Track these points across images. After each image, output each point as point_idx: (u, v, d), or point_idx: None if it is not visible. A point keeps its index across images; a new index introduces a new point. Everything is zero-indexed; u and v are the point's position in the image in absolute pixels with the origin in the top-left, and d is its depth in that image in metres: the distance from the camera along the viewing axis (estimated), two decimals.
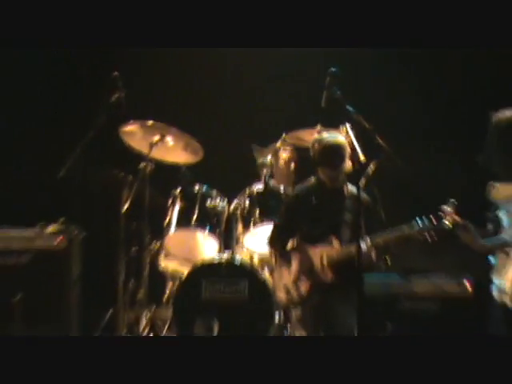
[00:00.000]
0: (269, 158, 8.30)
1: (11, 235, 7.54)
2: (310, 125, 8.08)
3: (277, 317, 7.72)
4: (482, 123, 6.95)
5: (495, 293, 6.65)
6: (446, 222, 6.85)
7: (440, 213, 6.90)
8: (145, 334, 7.94)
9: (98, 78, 9.04)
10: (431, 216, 7.04)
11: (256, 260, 8.04)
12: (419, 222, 7.03)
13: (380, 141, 7.44)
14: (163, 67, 9.28)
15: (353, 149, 7.20)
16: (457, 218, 6.85)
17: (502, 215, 6.69)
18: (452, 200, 6.84)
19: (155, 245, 8.14)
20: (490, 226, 6.84)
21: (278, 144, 8.31)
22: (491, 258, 6.77)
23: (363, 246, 6.95)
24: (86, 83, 9.31)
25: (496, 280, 6.66)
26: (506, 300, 6.62)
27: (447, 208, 6.84)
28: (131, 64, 9.14)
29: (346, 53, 8.70)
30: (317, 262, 7.22)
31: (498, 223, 6.74)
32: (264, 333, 7.71)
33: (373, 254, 7.12)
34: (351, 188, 7.19)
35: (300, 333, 7.32)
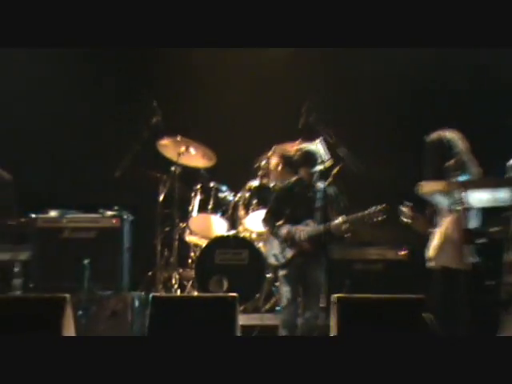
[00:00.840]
0: (263, 162, 8.42)
1: (83, 217, 7.70)
2: (293, 139, 8.17)
3: (268, 275, 7.94)
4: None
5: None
6: (405, 220, 7.19)
7: (400, 212, 7.25)
8: (175, 288, 8.08)
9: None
10: (380, 205, 7.31)
11: (254, 235, 8.18)
12: (373, 208, 7.37)
13: (342, 150, 7.64)
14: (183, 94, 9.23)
15: (322, 155, 7.60)
16: (412, 214, 7.19)
17: (435, 203, 7.02)
18: (408, 203, 7.08)
19: (182, 225, 8.31)
20: (428, 213, 7.19)
21: (270, 153, 8.40)
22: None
23: (336, 222, 7.18)
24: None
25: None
26: (430, 264, 7.01)
27: (405, 208, 7.19)
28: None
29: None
30: (298, 236, 7.31)
31: (435, 212, 7.09)
32: (258, 287, 7.91)
33: (342, 230, 7.24)
34: (321, 184, 7.35)
35: (284, 288, 7.33)
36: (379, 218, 7.28)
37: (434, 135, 6.91)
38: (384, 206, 7.25)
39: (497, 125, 6.95)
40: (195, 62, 9.17)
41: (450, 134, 6.87)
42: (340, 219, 7.25)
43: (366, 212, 7.26)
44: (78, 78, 9.15)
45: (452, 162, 6.59)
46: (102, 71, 9.20)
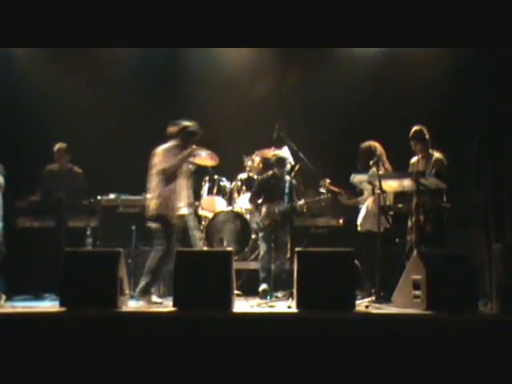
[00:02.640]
0: (249, 162, 8.35)
1: (131, 198, 7.66)
2: (269, 147, 8.11)
3: (253, 236, 7.85)
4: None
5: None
6: (323, 190, 7.26)
7: (320, 185, 7.34)
8: None
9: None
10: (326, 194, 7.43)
11: (244, 210, 8.06)
12: (323, 195, 7.43)
13: (301, 155, 7.64)
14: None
15: (288, 159, 7.68)
16: (331, 187, 7.28)
17: (363, 188, 7.13)
18: (326, 179, 7.29)
19: (197, 203, 8.07)
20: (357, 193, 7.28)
21: (254, 156, 8.35)
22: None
23: (298, 203, 7.34)
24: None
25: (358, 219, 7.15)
26: (358, 229, 7.13)
27: (323, 182, 7.29)
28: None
29: None
30: (272, 211, 7.46)
31: (360, 192, 7.20)
32: (246, 244, 7.77)
33: (302, 208, 7.44)
34: (288, 177, 7.38)
35: (262, 245, 7.41)
36: (326, 202, 7.43)
37: (366, 143, 7.03)
38: (329, 195, 7.39)
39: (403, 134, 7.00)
40: (207, 86, 8.87)
41: (374, 143, 7.00)
42: (301, 201, 7.40)
43: (317, 198, 7.41)
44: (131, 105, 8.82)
45: (372, 161, 6.71)
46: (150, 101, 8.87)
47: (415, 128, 6.77)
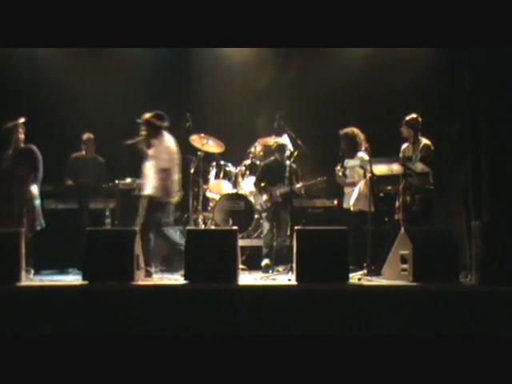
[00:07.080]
0: (253, 149, 8.24)
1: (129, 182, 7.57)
2: (270, 135, 8.04)
3: (256, 216, 7.82)
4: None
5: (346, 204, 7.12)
6: (338, 173, 7.23)
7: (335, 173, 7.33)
8: (200, 224, 7.84)
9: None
10: (322, 177, 7.42)
11: (248, 192, 7.99)
12: (318, 178, 7.45)
13: (299, 142, 7.65)
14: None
15: (288, 145, 7.66)
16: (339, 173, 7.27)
17: (350, 171, 7.12)
18: (337, 166, 7.18)
19: (205, 186, 8.09)
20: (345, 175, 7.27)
21: (257, 143, 8.25)
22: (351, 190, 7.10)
23: (297, 186, 7.31)
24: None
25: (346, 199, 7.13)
26: (351, 208, 7.12)
27: (336, 171, 7.27)
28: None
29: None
30: (275, 193, 7.48)
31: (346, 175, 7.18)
32: (249, 223, 7.73)
33: (300, 191, 7.44)
34: (288, 161, 7.31)
35: (265, 224, 7.46)
36: (322, 185, 7.42)
37: (348, 130, 7.04)
38: (324, 178, 7.38)
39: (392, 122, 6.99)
40: (215, 83, 8.80)
41: (351, 129, 6.99)
42: (299, 184, 7.39)
43: (314, 181, 7.40)
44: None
45: (363, 148, 6.71)
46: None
47: (411, 116, 6.74)
